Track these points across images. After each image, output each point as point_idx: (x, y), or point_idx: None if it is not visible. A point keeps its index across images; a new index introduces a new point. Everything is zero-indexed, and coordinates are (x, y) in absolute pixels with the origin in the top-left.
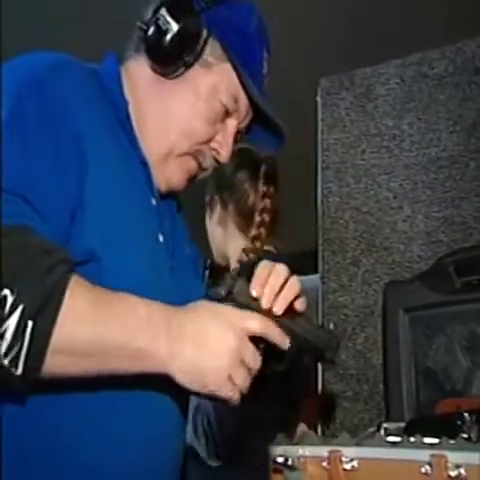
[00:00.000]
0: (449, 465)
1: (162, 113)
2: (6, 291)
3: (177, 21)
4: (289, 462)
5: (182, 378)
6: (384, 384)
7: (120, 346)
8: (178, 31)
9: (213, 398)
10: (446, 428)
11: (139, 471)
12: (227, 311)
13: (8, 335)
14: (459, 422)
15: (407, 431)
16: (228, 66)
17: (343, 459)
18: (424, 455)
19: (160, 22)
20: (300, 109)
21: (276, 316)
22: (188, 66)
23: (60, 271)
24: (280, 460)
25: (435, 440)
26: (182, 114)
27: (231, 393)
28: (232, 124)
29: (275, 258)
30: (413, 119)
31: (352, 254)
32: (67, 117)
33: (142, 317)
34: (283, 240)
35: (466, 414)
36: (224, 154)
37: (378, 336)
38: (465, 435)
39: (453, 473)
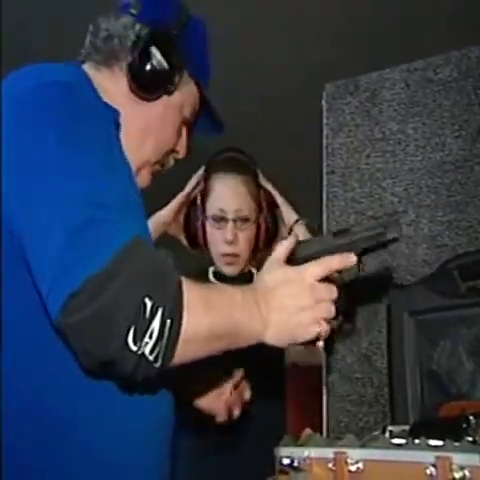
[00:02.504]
0: (454, 467)
1: (140, 130)
2: (146, 299)
3: (166, 58)
4: (295, 463)
5: (276, 342)
6: (389, 387)
7: (230, 332)
8: (169, 68)
9: (306, 344)
10: (451, 431)
11: (140, 458)
12: (293, 273)
13: (154, 335)
14: (464, 425)
15: (412, 433)
16: (191, 84)
17: (348, 460)
18: (429, 457)
19: (152, 59)
20: (305, 114)
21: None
22: (168, 94)
23: (175, 272)
24: (286, 461)
25: (440, 442)
26: (157, 132)
27: (318, 331)
28: (185, 127)
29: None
30: (418, 124)
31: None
32: (105, 121)
33: (239, 304)
34: None
35: (471, 417)
36: (183, 153)
37: (382, 340)
38: (470, 438)
39: (458, 475)
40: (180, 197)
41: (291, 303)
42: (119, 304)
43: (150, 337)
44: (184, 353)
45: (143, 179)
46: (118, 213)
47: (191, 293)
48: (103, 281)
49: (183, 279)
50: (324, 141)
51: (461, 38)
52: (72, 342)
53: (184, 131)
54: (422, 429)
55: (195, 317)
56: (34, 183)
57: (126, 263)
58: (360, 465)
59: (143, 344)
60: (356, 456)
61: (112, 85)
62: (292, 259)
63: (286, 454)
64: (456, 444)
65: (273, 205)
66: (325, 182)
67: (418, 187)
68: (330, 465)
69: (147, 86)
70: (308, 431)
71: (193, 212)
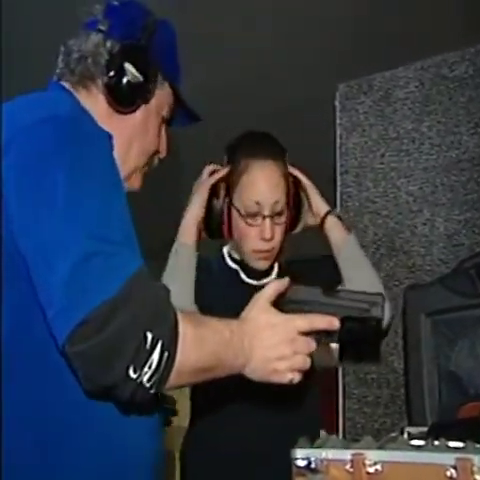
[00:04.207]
0: (475, 469)
1: (125, 142)
2: (148, 332)
3: (141, 73)
4: (312, 465)
5: (253, 377)
6: (405, 388)
7: (215, 366)
8: (143, 81)
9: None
10: (471, 432)
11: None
12: (278, 319)
13: (153, 366)
14: None
15: (431, 435)
16: (165, 85)
17: (366, 462)
18: (449, 459)
19: (126, 75)
20: (319, 114)
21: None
22: (146, 102)
23: (172, 306)
24: (303, 463)
25: (460, 444)
26: (141, 139)
27: (291, 378)
28: (164, 126)
29: (298, 264)
30: (433, 122)
31: (372, 258)
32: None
33: (227, 343)
34: (303, 245)
35: None
36: (164, 153)
37: (399, 340)
38: None
39: (479, 477)
40: (205, 191)
41: (271, 352)
42: (124, 336)
43: (149, 367)
44: (174, 382)
45: (134, 183)
46: (121, 246)
47: (185, 329)
48: (109, 313)
49: (179, 314)
50: (338, 141)
51: (476, 34)
52: (76, 368)
53: (163, 131)
54: (441, 430)
55: (186, 352)
56: (41, 216)
57: (131, 296)
58: (378, 467)
59: (143, 373)
60: (374, 458)
61: (92, 105)
62: (279, 299)
63: (302, 456)
64: (477, 446)
65: (297, 193)
66: (339, 182)
67: (433, 186)
68: (347, 467)
69: (125, 100)
70: (323, 433)
71: (216, 202)
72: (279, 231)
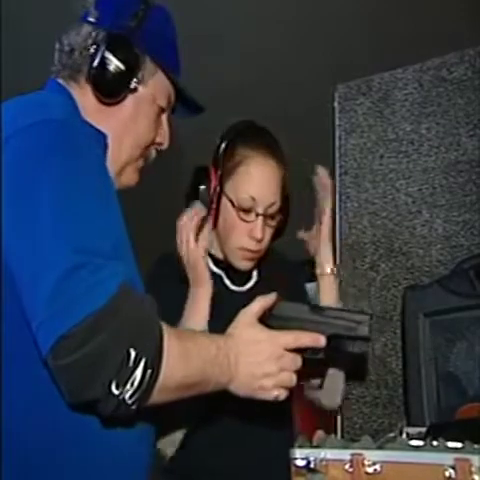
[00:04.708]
0: (473, 469)
1: (114, 136)
2: (131, 349)
3: (121, 60)
4: (311, 465)
5: (239, 393)
6: (404, 389)
7: (199, 383)
8: (125, 69)
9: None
10: (470, 433)
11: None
12: (265, 336)
13: (136, 383)
14: None
15: (429, 435)
16: (159, 73)
17: (365, 462)
18: (448, 459)
19: (106, 64)
20: (317, 115)
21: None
22: (133, 91)
23: (158, 322)
24: (302, 463)
25: (459, 444)
26: (133, 130)
27: (277, 395)
28: (165, 116)
29: (293, 263)
30: (431, 123)
31: (370, 259)
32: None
33: (213, 359)
34: (301, 246)
35: None
36: (166, 144)
37: (397, 341)
38: None
39: (478, 477)
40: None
41: (258, 368)
42: (106, 352)
43: (132, 385)
44: (157, 398)
45: (129, 178)
46: (108, 258)
47: (171, 345)
48: (93, 328)
49: (164, 328)
50: (336, 142)
51: (475, 36)
52: (59, 381)
53: (164, 121)
54: (440, 431)
55: (171, 369)
56: (26, 227)
57: (114, 312)
58: (377, 467)
59: (125, 390)
60: (373, 458)
61: (82, 99)
62: (265, 314)
63: (302, 455)
64: (476, 446)
65: (288, 199)
66: (338, 183)
67: (432, 187)
68: (347, 467)
69: (108, 91)
70: (321, 433)
71: (205, 187)
72: (269, 234)
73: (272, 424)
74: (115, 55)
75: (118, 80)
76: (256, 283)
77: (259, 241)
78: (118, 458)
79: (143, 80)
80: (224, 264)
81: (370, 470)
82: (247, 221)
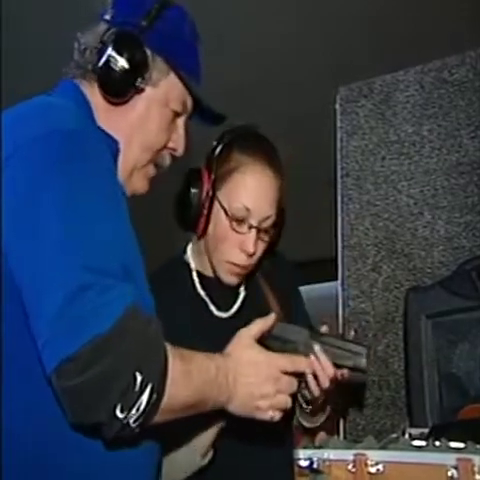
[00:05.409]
0: (476, 469)
1: (123, 138)
2: (137, 373)
3: (126, 59)
4: (314, 465)
5: (236, 412)
6: (406, 390)
7: (199, 404)
8: (129, 67)
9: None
10: (472, 433)
11: None
12: (263, 357)
13: (141, 408)
14: None
15: (432, 436)
16: (173, 75)
17: (368, 462)
18: (450, 459)
19: (111, 62)
20: (319, 117)
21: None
22: (140, 92)
23: (163, 344)
24: (305, 463)
25: (461, 444)
26: (141, 131)
27: (272, 416)
28: (182, 121)
29: (290, 264)
30: (433, 125)
31: (372, 260)
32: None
33: (213, 380)
34: (303, 247)
35: None
36: (180, 150)
37: (399, 342)
38: None
39: None
40: None
41: (255, 389)
42: (112, 376)
43: (137, 410)
44: (159, 418)
45: (138, 185)
46: (116, 278)
47: (175, 368)
48: (99, 350)
49: (169, 349)
50: (338, 144)
51: (476, 38)
52: (62, 402)
53: (180, 126)
54: (442, 431)
55: (175, 391)
56: (34, 246)
57: (120, 335)
58: (380, 467)
59: (130, 415)
60: (376, 458)
61: (93, 98)
62: (264, 334)
63: (305, 456)
64: (478, 446)
65: (283, 209)
66: (339, 185)
67: (434, 189)
68: (350, 467)
69: (113, 90)
70: (322, 435)
71: (196, 190)
72: (261, 249)
73: (272, 442)
74: (120, 53)
75: (123, 79)
76: (243, 301)
77: (250, 255)
78: (121, 465)
79: (152, 80)
80: (211, 282)
81: (373, 470)
82: (239, 232)
